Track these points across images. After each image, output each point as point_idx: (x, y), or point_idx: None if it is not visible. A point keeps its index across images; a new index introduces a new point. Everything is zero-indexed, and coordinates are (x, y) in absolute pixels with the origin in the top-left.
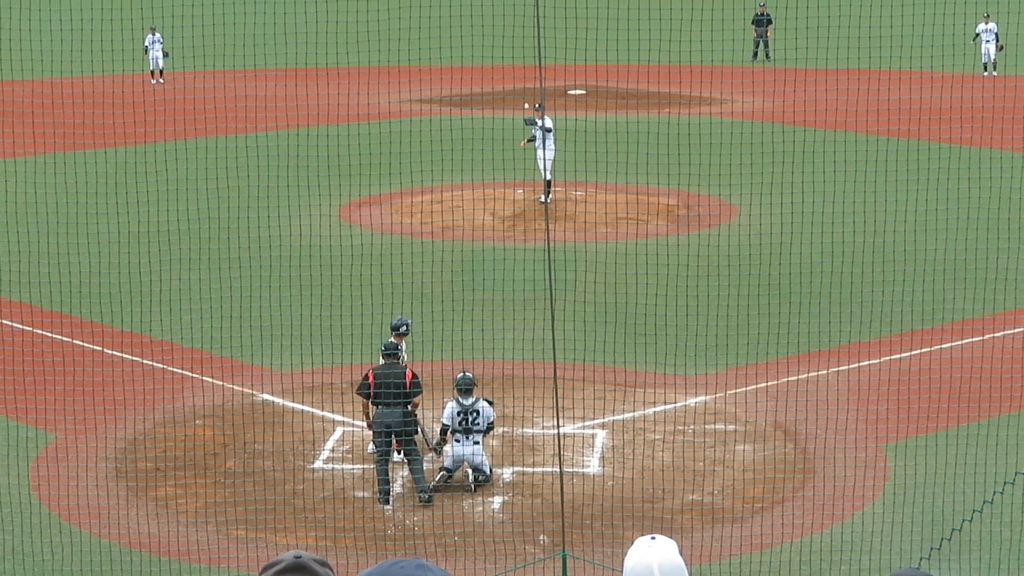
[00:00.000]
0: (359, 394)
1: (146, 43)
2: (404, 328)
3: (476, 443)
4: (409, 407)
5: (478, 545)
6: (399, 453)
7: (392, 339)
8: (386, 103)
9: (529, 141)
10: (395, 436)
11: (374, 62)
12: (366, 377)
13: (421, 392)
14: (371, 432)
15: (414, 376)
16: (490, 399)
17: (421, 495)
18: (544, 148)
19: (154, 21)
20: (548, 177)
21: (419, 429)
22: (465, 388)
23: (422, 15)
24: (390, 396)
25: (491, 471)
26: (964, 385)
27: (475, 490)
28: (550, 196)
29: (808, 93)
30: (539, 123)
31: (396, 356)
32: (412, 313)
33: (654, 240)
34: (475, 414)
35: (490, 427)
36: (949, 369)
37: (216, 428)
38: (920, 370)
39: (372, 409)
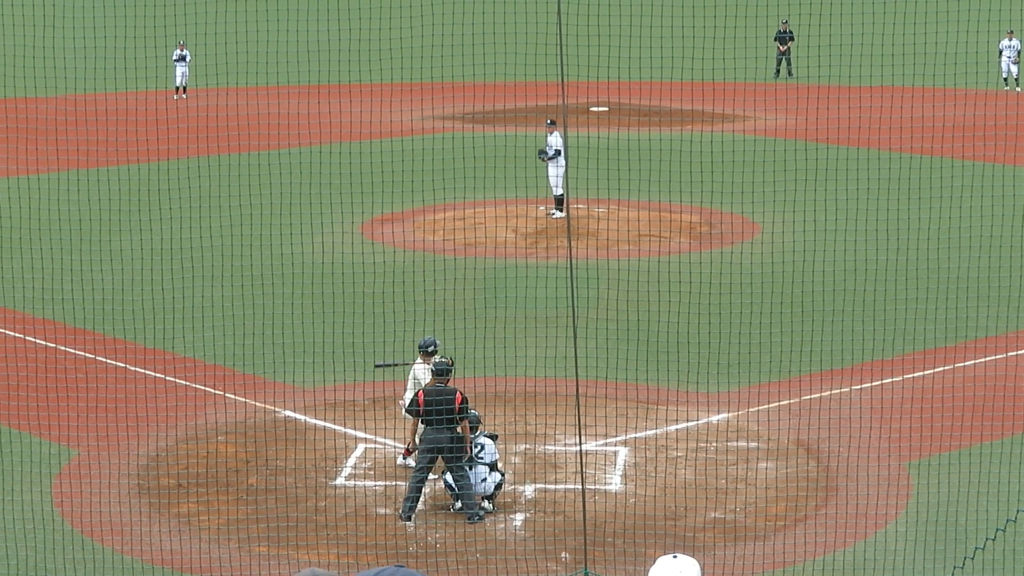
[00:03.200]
0: (409, 413)
1: (174, 57)
2: (433, 348)
3: (484, 479)
4: (458, 429)
5: (500, 563)
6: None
7: (442, 359)
8: (408, 120)
9: (550, 157)
10: (443, 458)
11: (396, 79)
12: (415, 397)
13: (470, 415)
14: (407, 448)
15: (464, 399)
16: (494, 434)
17: (472, 517)
18: (555, 165)
19: (178, 38)
20: (559, 192)
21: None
22: (471, 426)
23: (444, 32)
24: (441, 418)
25: (503, 474)
26: (987, 403)
27: (494, 508)
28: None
29: (831, 110)
30: (549, 142)
31: (447, 376)
32: (434, 330)
33: (676, 257)
34: (479, 447)
35: (494, 464)
36: (972, 387)
37: (238, 445)
38: (943, 388)
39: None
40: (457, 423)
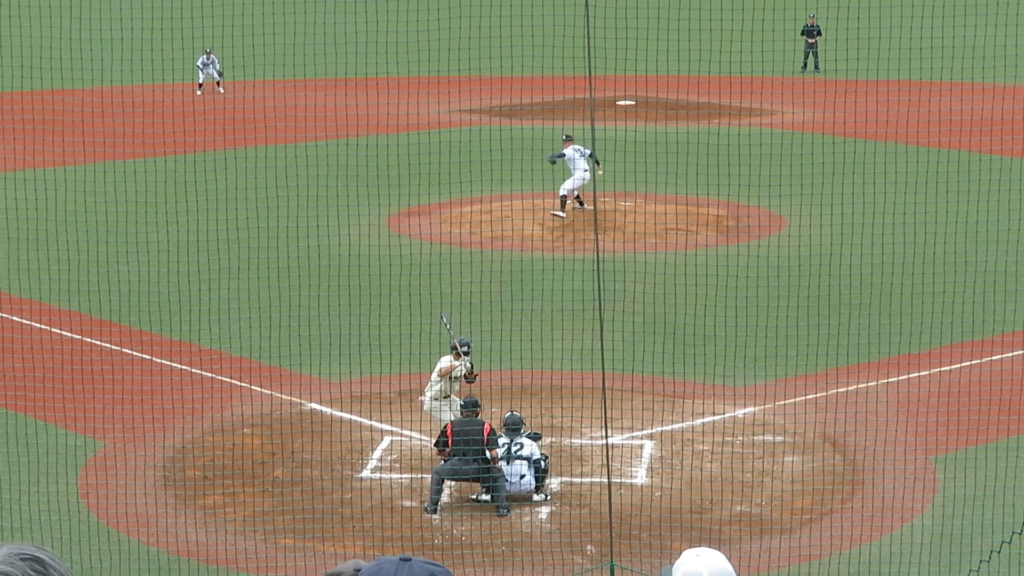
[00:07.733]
0: (437, 446)
1: (199, 63)
2: (467, 348)
3: (522, 476)
4: (488, 456)
5: (525, 555)
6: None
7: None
8: (435, 113)
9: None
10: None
11: (423, 72)
12: (444, 430)
13: (499, 446)
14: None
15: (492, 430)
16: (537, 433)
17: (500, 510)
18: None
19: (204, 31)
20: (564, 194)
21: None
22: (512, 427)
23: (472, 25)
24: (469, 449)
25: (546, 458)
26: (1013, 397)
27: (545, 497)
28: (568, 208)
29: (858, 104)
30: (565, 154)
31: (476, 411)
32: (461, 325)
33: (703, 251)
34: (519, 446)
35: (534, 460)
36: (999, 381)
37: (264, 437)
38: (969, 382)
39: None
40: (485, 453)
